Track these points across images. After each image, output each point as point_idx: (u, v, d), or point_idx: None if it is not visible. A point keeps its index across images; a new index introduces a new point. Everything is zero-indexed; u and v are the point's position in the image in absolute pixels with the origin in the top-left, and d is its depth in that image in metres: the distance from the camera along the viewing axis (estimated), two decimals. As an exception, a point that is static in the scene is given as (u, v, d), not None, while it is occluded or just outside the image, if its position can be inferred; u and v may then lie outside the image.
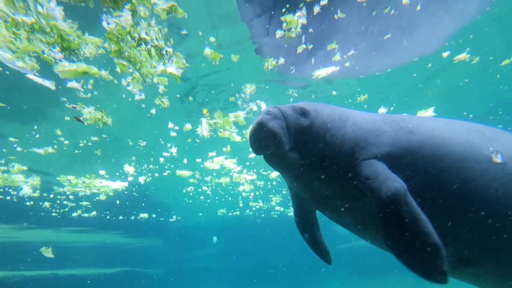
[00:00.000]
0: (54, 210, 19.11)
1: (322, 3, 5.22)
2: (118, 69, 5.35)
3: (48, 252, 11.01)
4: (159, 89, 7.68)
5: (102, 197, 17.08)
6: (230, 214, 25.12)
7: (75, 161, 12.76)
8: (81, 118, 8.31)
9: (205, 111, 8.90)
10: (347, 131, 2.30)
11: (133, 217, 23.27)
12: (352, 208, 2.36)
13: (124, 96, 8.17)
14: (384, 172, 2.11)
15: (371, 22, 6.22)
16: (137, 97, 8.11)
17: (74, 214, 20.31)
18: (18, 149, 10.95)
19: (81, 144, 11.16)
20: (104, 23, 4.41)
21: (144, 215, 23.14)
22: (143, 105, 8.85)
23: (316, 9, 5.31)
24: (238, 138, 10.75)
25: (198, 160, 13.62)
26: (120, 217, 22.80)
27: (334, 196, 2.35)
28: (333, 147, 2.25)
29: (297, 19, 5.28)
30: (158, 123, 10.08)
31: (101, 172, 14.32)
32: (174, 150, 12.27)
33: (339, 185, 2.29)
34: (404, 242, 1.95)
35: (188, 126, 9.88)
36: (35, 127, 9.64)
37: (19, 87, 7.50)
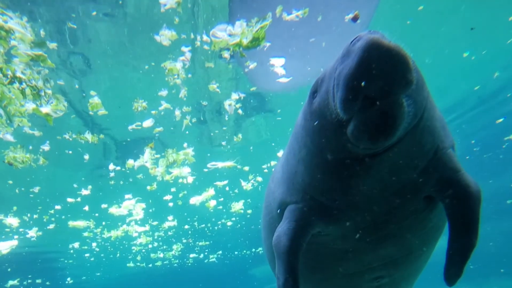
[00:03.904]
0: None
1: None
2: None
3: None
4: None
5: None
6: (150, 265, 23.07)
7: None
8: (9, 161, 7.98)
9: (151, 145, 8.90)
10: (436, 109, 1.78)
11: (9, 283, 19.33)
12: (405, 211, 1.80)
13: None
14: None
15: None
16: (45, 148, 7.68)
17: None
18: None
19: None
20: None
21: (14, 282, 19.46)
22: (70, 151, 8.28)
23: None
24: (167, 177, 10.46)
25: (104, 205, 12.30)
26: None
27: (389, 188, 1.70)
28: (429, 120, 1.63)
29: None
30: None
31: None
32: (86, 192, 11.05)
33: (407, 175, 1.68)
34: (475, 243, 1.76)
35: (131, 162, 9.42)
36: None
37: None
